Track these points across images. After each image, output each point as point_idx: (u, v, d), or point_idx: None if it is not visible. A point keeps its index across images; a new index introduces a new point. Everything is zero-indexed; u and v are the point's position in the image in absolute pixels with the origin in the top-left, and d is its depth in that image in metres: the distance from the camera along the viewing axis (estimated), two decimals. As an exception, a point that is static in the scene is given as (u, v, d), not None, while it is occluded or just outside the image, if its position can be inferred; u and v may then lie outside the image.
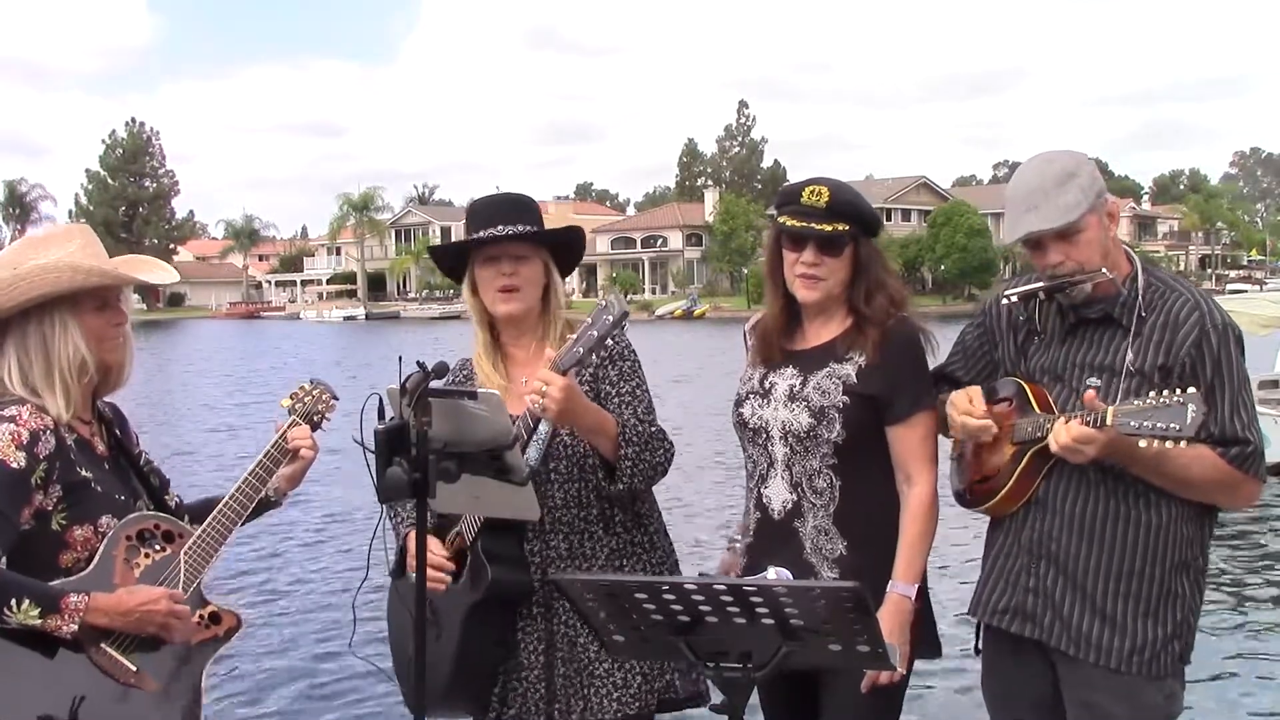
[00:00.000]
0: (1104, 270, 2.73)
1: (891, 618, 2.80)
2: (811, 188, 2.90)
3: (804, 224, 2.89)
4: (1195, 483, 2.68)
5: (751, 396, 3.03)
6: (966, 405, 2.82)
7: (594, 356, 2.82)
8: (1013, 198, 2.79)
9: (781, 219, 2.95)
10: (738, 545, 3.16)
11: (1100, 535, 2.74)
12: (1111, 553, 2.74)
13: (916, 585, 2.87)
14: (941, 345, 3.09)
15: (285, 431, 2.90)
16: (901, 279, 3.14)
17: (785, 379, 2.98)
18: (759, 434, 3.00)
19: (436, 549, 2.93)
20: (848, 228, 2.89)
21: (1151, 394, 2.50)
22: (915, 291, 69.11)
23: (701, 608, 2.12)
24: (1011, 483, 2.80)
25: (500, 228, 2.98)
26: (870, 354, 2.90)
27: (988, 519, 3.00)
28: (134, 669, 2.60)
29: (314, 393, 3.00)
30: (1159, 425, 2.42)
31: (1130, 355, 2.71)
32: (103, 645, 2.57)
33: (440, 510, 2.96)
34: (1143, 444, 2.45)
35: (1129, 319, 2.74)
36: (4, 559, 2.48)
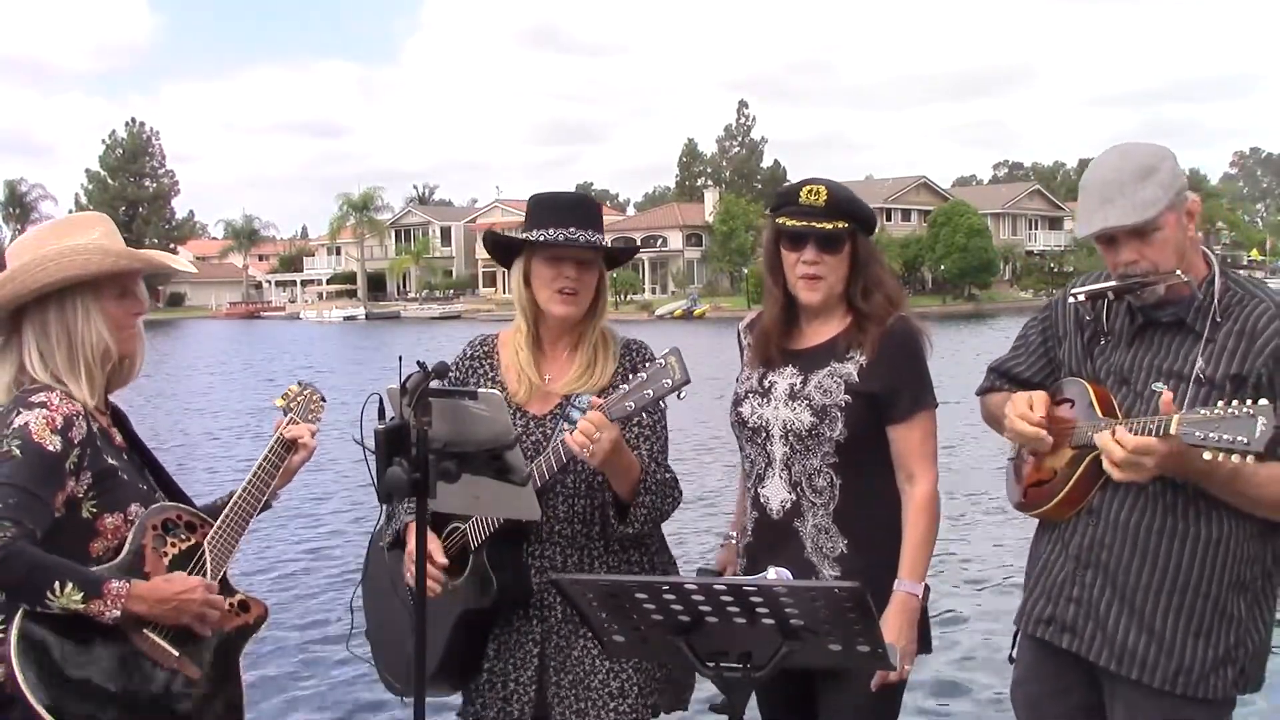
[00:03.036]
0: (1179, 273, 2.58)
1: (898, 616, 2.82)
2: (809, 187, 2.92)
3: (804, 223, 2.91)
4: (1272, 504, 2.54)
5: (750, 396, 3.03)
6: (1025, 410, 2.70)
7: (643, 415, 2.82)
8: (1088, 190, 2.65)
9: (780, 219, 2.96)
10: (734, 543, 3.16)
11: (1155, 548, 2.62)
12: (1166, 567, 2.61)
13: (923, 583, 2.88)
14: (940, 346, 3.10)
15: (285, 426, 2.94)
16: (900, 279, 3.16)
17: (785, 378, 2.98)
18: (758, 433, 3.00)
19: (437, 553, 2.93)
20: (846, 225, 2.91)
21: (1220, 403, 2.32)
22: (915, 291, 69.80)
23: (701, 608, 2.12)
24: (1069, 487, 2.69)
25: (573, 230, 2.93)
26: (871, 352, 2.91)
27: (983, 528, 2.99)
28: (176, 654, 2.62)
29: (305, 394, 3.04)
30: (1225, 437, 2.27)
31: (1201, 362, 2.57)
32: (145, 631, 2.58)
33: (440, 510, 2.95)
34: (1207, 456, 2.30)
35: (1202, 324, 2.60)
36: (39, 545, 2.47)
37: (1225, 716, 2.68)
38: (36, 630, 2.48)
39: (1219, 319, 2.60)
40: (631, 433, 2.93)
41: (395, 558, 3.04)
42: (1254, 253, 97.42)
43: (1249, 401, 2.29)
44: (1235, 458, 2.27)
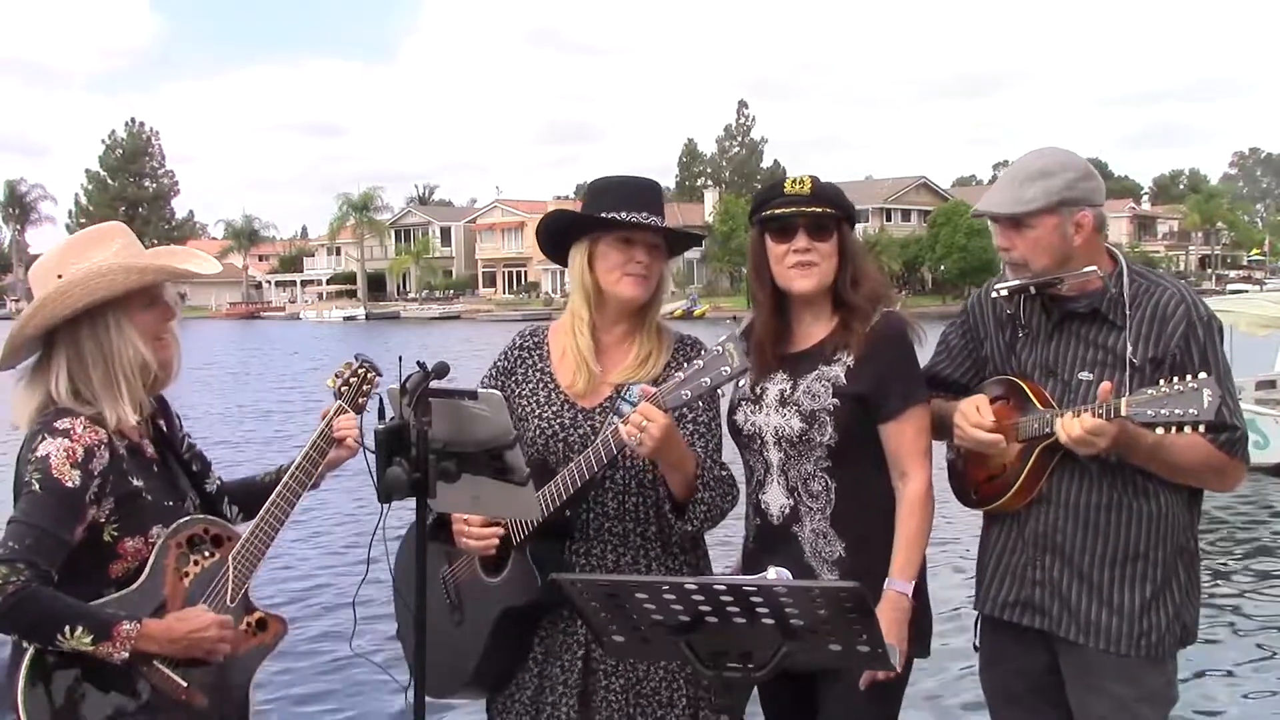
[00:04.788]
0: (1095, 269, 2.81)
1: (889, 615, 2.79)
2: (793, 179, 2.96)
3: (792, 209, 2.91)
4: (1189, 468, 2.77)
5: (743, 403, 3.02)
6: (976, 417, 2.83)
7: (698, 412, 2.78)
8: (997, 178, 2.95)
9: (766, 212, 2.96)
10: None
11: (1104, 525, 2.82)
12: (1117, 541, 2.82)
13: (914, 582, 2.87)
14: (933, 342, 3.11)
15: (332, 419, 2.87)
16: (897, 278, 3.18)
17: (775, 384, 2.97)
18: (753, 440, 3.00)
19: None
20: (834, 212, 2.92)
21: (1162, 382, 2.54)
22: (915, 291, 69.67)
23: (701, 608, 2.12)
24: (1022, 479, 2.84)
25: (645, 215, 2.92)
26: (858, 352, 2.89)
27: (975, 517, 3.05)
28: (184, 684, 2.60)
29: (359, 371, 2.95)
30: (1176, 412, 2.47)
31: (1131, 348, 2.78)
32: (155, 663, 2.56)
33: (440, 510, 2.95)
34: (1160, 431, 2.51)
35: (1116, 313, 2.82)
36: (55, 578, 2.47)
37: (1171, 668, 2.90)
38: (46, 663, 2.48)
39: (1129, 308, 2.81)
40: (685, 429, 2.87)
41: (434, 548, 2.96)
42: (1254, 252, 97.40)
43: (1188, 377, 2.51)
44: (1187, 429, 2.48)
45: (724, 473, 2.90)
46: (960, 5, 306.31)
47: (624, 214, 2.91)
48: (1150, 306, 2.81)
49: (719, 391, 2.93)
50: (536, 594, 2.83)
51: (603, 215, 2.93)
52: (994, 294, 2.99)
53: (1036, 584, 2.89)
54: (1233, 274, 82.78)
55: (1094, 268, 2.81)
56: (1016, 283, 2.89)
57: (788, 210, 2.91)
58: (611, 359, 2.99)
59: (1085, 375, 2.82)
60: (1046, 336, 2.91)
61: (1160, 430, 2.51)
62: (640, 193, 2.98)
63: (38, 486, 2.49)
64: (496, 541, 2.87)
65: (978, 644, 3.11)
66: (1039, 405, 2.82)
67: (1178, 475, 2.80)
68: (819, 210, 2.90)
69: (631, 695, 2.87)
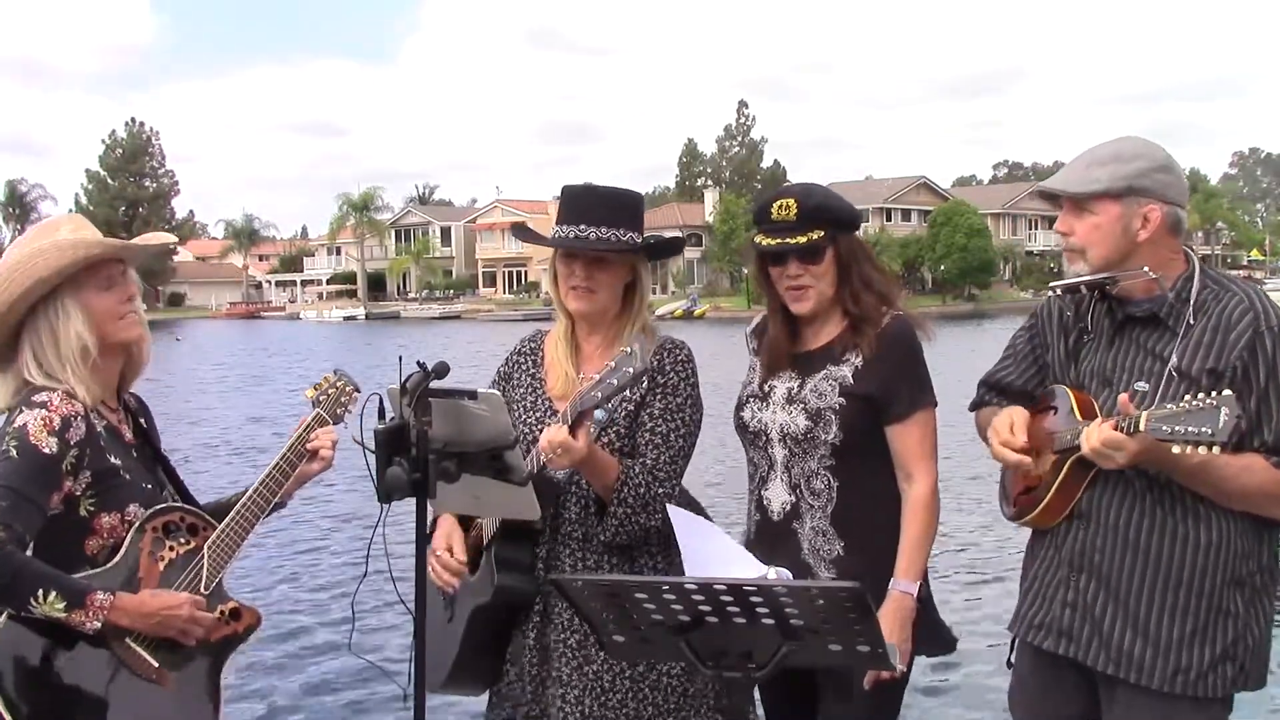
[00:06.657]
0: (1146, 269, 2.60)
1: (893, 616, 2.80)
2: (780, 202, 2.91)
3: (779, 241, 2.90)
4: (1245, 494, 2.52)
5: (751, 400, 3.03)
6: (1007, 435, 2.68)
7: (610, 404, 2.78)
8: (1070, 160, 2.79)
9: (758, 239, 2.96)
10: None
11: (1146, 548, 2.59)
12: (1157, 567, 2.59)
13: (918, 583, 2.87)
14: (940, 346, 3.09)
15: (307, 430, 2.88)
16: (892, 274, 3.14)
17: (783, 382, 2.98)
18: (759, 437, 3.00)
19: (458, 549, 2.94)
20: (822, 233, 2.89)
21: (1186, 397, 2.34)
22: (915, 291, 69.73)
23: (701, 608, 2.12)
24: (1052, 493, 2.67)
25: (582, 228, 2.89)
26: (867, 353, 2.90)
27: (980, 522, 3.00)
28: (155, 664, 2.62)
29: (338, 384, 2.97)
30: (1190, 430, 2.27)
31: (1175, 359, 2.57)
32: (126, 640, 2.58)
33: (440, 510, 2.95)
34: (1176, 450, 2.31)
35: (1176, 320, 2.60)
36: (30, 546, 2.49)
37: (1221, 714, 2.64)
38: (17, 629, 2.50)
39: (1193, 315, 2.58)
40: (643, 438, 2.88)
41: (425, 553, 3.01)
42: (1254, 252, 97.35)
43: (1213, 393, 2.29)
44: (1202, 449, 2.28)
45: (658, 489, 2.84)
46: (960, 5, 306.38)
47: (563, 228, 2.92)
48: (1215, 315, 2.56)
49: (699, 402, 2.96)
50: (492, 595, 2.85)
51: (554, 233, 2.95)
52: (1048, 292, 2.86)
53: (1068, 605, 2.69)
54: (1232, 274, 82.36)
55: (1145, 268, 2.59)
56: (1069, 281, 2.73)
57: (774, 242, 2.91)
58: (592, 366, 2.98)
59: (1141, 385, 2.59)
60: (1107, 342, 2.72)
61: (1176, 449, 2.30)
62: (584, 205, 2.94)
63: (14, 453, 2.50)
64: (456, 582, 2.92)
65: (1011, 661, 2.94)
66: (1080, 416, 2.63)
67: (1232, 501, 2.53)
68: (804, 240, 2.88)
69: (598, 707, 2.86)
